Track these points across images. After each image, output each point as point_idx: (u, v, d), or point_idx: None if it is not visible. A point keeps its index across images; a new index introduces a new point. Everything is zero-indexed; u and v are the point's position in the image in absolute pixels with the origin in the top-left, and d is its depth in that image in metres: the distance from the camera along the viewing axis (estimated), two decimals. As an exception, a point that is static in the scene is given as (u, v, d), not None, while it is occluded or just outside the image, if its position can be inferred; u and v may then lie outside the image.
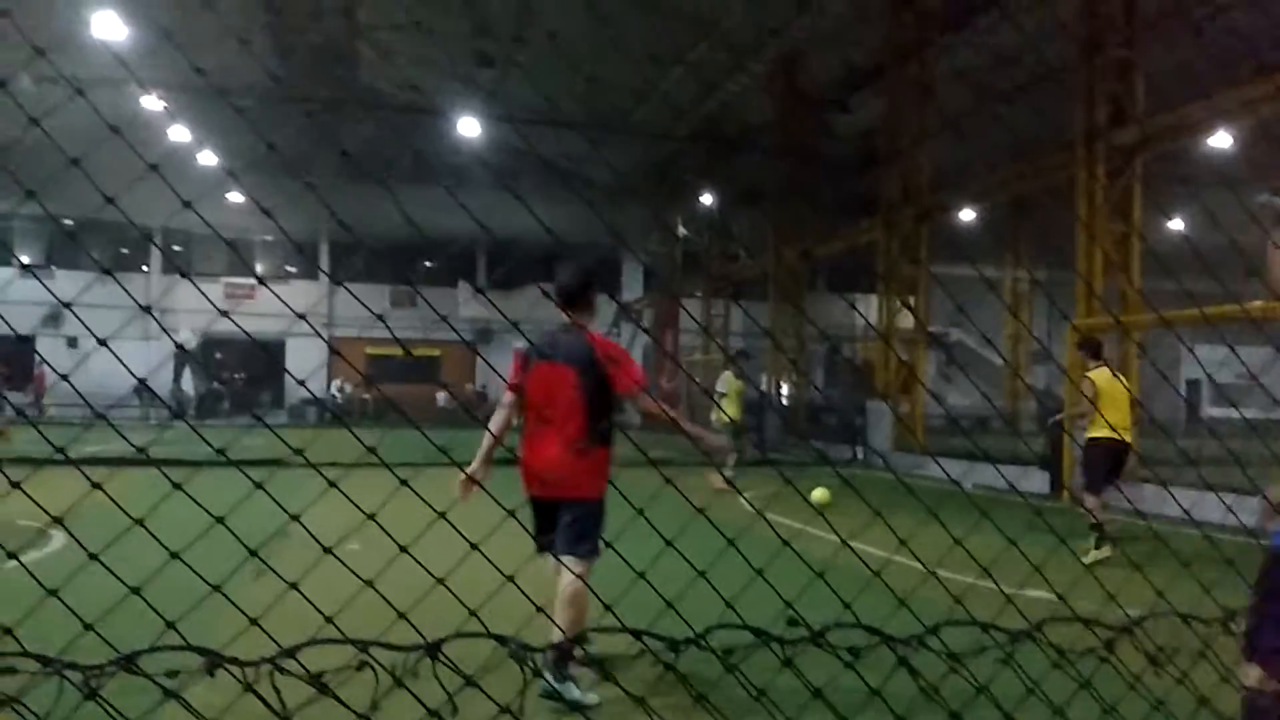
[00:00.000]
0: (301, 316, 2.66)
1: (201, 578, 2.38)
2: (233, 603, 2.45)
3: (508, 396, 4.57)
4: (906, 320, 20.03)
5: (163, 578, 2.49)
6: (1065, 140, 14.20)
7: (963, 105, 18.20)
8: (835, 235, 22.15)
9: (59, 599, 2.34)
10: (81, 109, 2.92)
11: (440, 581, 2.47)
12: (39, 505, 2.39)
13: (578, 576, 3.97)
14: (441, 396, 33.45)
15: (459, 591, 2.52)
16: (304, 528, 2.43)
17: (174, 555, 2.34)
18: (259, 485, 2.45)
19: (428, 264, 36.64)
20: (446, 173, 24.43)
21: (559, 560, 4.19)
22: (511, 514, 2.96)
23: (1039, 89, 15.90)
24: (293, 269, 35.86)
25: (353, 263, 34.97)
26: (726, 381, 14.32)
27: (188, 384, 33.33)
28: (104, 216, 29.94)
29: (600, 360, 4.34)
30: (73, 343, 30.65)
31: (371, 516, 2.48)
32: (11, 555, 2.41)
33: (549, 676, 3.95)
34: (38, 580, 2.24)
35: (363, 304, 6.00)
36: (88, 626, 2.36)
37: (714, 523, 2.66)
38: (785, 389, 25.74)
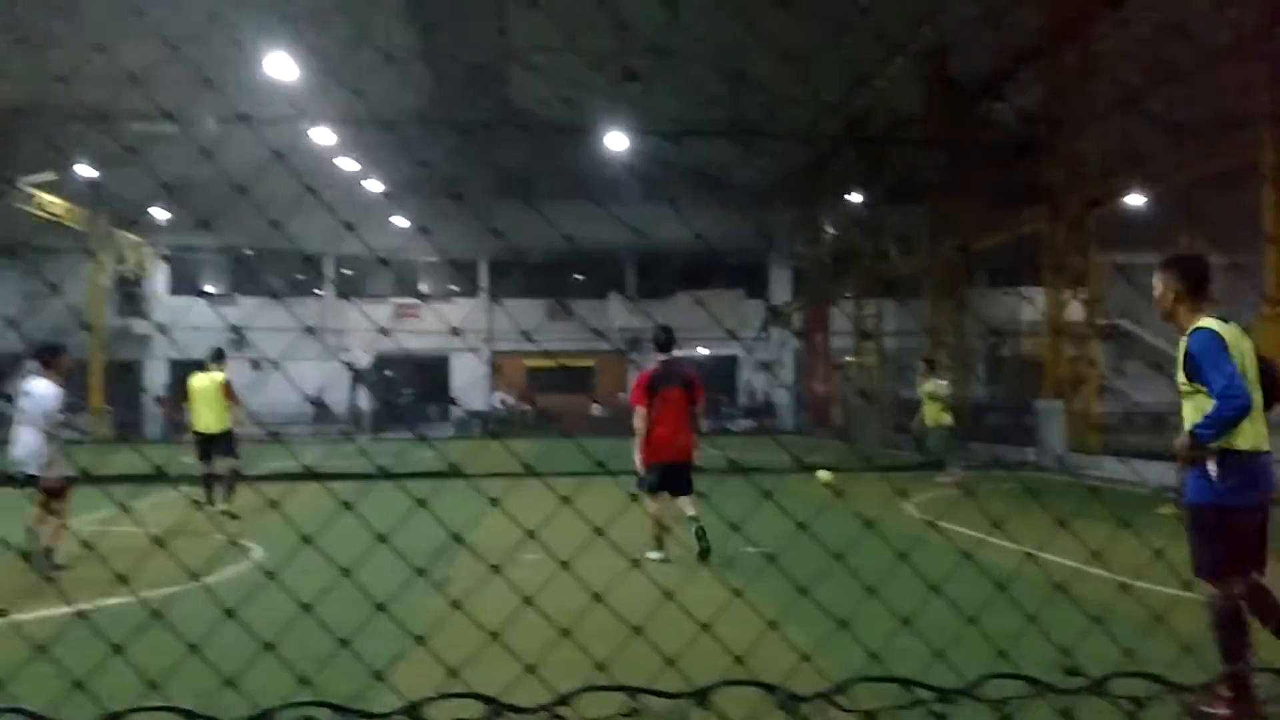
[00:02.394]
0: (458, 332, 2.71)
1: (474, 620, 2.42)
2: (509, 649, 2.47)
3: (641, 409, 7.79)
4: (1074, 313, 18.98)
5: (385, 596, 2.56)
6: (1245, 119, 13.15)
7: (1130, 85, 17.12)
8: (996, 227, 21.23)
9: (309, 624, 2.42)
10: (260, 145, 3.08)
11: (705, 627, 2.43)
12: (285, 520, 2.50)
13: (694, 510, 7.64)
14: (597, 406, 34.03)
15: (687, 613, 2.47)
16: (541, 545, 2.44)
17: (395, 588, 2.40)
18: (421, 503, 2.51)
19: (579, 277, 37.31)
20: (596, 187, 24.83)
21: (679, 498, 7.77)
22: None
23: (1215, 64, 14.78)
24: (455, 287, 37.19)
25: (511, 279, 35.97)
26: (931, 386, 13.77)
27: (362, 400, 35.09)
28: (281, 244, 31.98)
29: (690, 381, 7.95)
30: (255, 365, 32.76)
31: (531, 533, 2.49)
32: (272, 575, 2.53)
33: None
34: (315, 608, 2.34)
35: (511, 316, 6.12)
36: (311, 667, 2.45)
37: (885, 535, 2.55)
38: (946, 389, 24.80)
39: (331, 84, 17.76)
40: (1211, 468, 3.74)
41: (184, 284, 35.26)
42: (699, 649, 2.62)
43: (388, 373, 36.71)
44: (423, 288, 36.83)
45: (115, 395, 31.97)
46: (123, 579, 2.76)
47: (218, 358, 11.62)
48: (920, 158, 23.25)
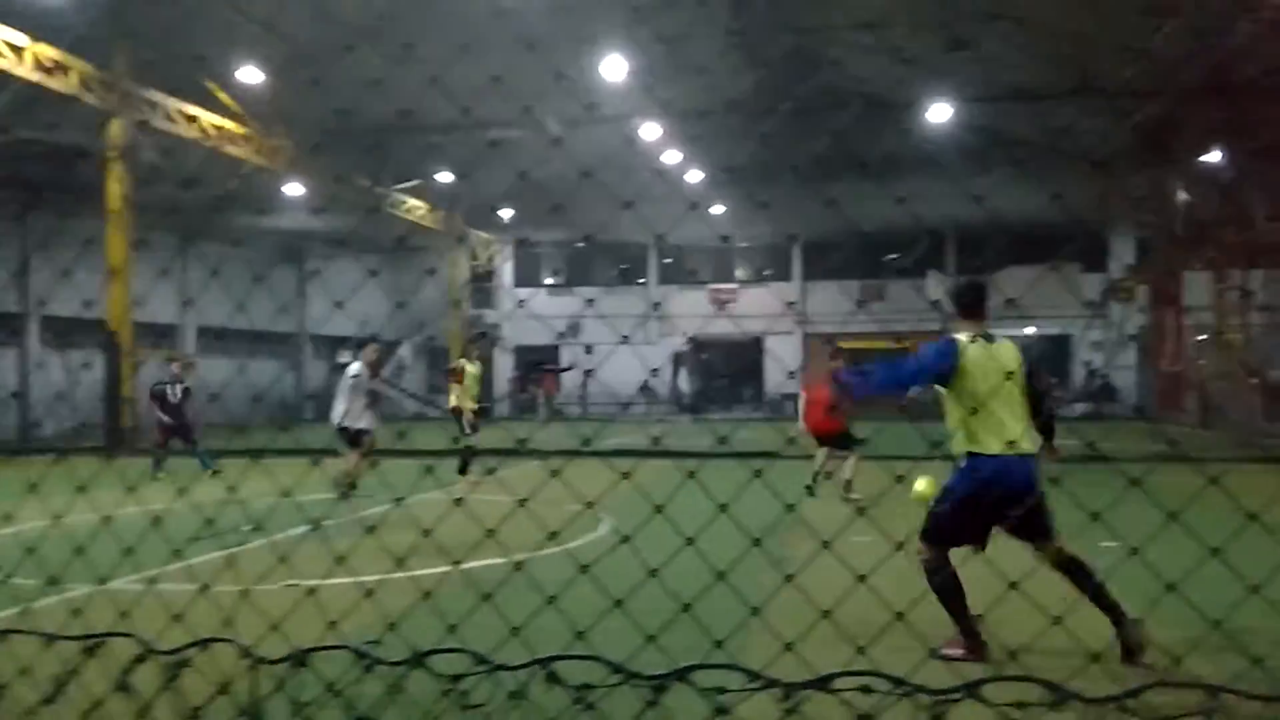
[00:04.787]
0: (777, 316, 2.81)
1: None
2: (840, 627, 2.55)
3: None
4: None
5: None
6: None
7: None
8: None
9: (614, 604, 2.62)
10: (592, 145, 3.34)
11: (1057, 621, 2.35)
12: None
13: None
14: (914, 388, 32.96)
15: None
16: (873, 525, 2.54)
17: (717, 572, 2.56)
18: (758, 474, 2.63)
19: (893, 256, 36.29)
20: (914, 163, 24.04)
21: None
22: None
23: None
24: (769, 271, 37.56)
25: (825, 260, 35.74)
26: None
27: (684, 382, 36.49)
28: (611, 236, 33.93)
29: None
30: (589, 350, 35.04)
31: (862, 511, 2.49)
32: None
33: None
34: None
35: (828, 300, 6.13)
36: (647, 637, 2.65)
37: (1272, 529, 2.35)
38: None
39: (658, 80, 18.60)
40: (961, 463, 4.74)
41: (528, 276, 38.41)
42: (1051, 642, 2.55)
43: (704, 356, 37.83)
44: (738, 272, 37.55)
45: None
46: (485, 537, 3.11)
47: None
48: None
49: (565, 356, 35.62)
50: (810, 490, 11.00)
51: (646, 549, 3.18)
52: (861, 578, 2.64)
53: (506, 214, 32.95)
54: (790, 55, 20.49)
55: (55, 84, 17.09)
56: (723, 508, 2.68)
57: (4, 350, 24.63)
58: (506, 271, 38.05)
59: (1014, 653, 3.36)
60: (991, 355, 4.84)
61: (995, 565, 3.14)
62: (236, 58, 18.61)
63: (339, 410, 10.74)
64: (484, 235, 34.76)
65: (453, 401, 13.09)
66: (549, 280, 38.72)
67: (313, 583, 3.89)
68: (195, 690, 1.86)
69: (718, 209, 29.98)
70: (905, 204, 25.32)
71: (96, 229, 18.91)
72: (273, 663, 1.75)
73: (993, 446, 4.69)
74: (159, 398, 14.77)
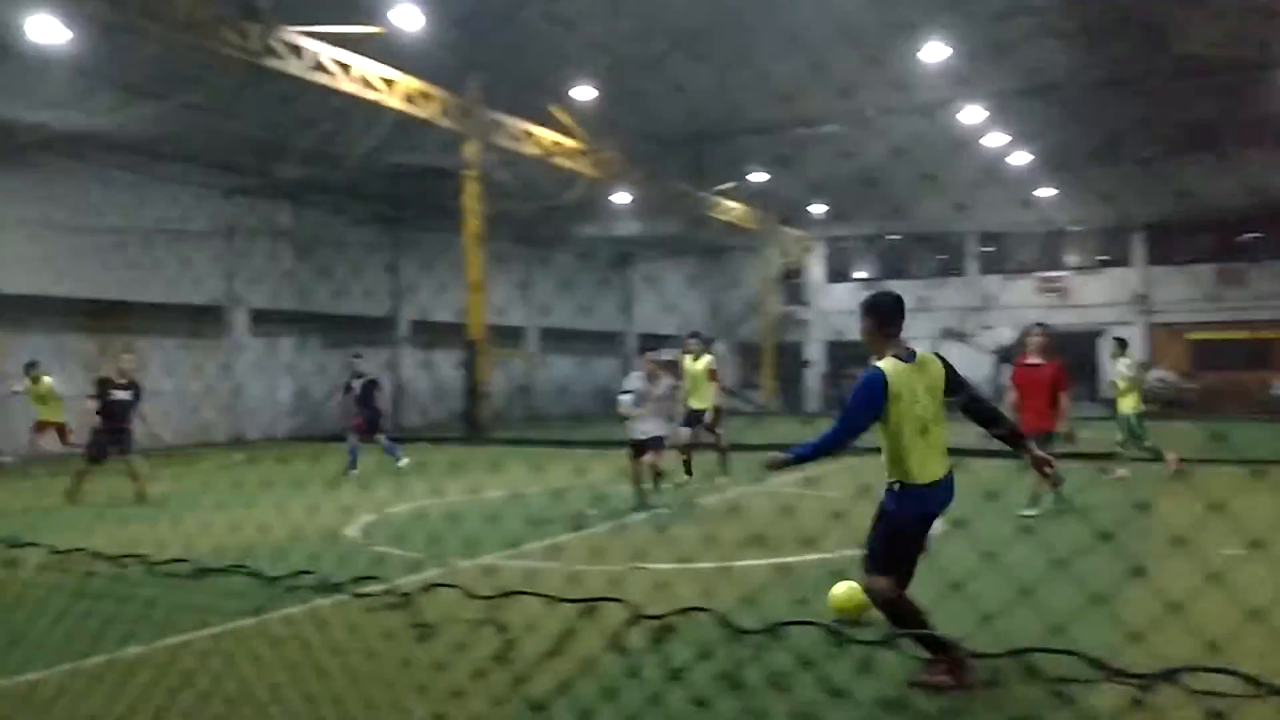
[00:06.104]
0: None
1: None
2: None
3: None
4: None
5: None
6: None
7: None
8: None
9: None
10: (910, 129, 3.47)
11: None
12: None
13: None
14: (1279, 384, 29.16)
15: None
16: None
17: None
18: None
19: (1255, 235, 32.19)
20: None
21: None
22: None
23: None
24: (1106, 257, 34.72)
25: (1170, 244, 32.51)
26: None
27: (1006, 378, 34.55)
28: (926, 228, 32.97)
29: None
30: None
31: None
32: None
33: None
34: None
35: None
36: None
37: None
38: None
39: (980, 62, 17.93)
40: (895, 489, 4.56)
41: (839, 271, 38.22)
42: None
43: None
44: (1069, 259, 35.05)
45: (782, 373, 35.89)
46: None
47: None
48: None
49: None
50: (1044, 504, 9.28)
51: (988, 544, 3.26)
52: (1214, 577, 2.59)
53: (818, 209, 33.03)
54: (1124, 23, 18.94)
55: (418, 111, 19.44)
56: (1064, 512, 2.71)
57: (378, 350, 28.33)
58: (817, 267, 38.05)
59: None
60: (917, 374, 4.57)
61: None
62: (569, 75, 20.15)
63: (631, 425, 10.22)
64: (794, 232, 35.03)
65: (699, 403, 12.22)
66: (860, 275, 38.27)
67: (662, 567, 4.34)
68: (677, 654, 2.17)
69: (1045, 192, 28.22)
70: (1272, 176, 22.58)
71: (448, 241, 21.21)
72: (750, 633, 2.00)
73: (925, 475, 4.52)
74: (347, 391, 15.01)
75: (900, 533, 4.56)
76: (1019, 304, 32.13)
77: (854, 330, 5.03)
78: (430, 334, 28.01)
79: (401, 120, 19.25)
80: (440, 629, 2.53)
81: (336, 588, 2.48)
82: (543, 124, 22.24)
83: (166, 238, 21.02)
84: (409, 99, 19.09)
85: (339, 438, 15.20)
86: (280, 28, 16.00)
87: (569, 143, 22.81)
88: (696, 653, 2.15)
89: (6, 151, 18.54)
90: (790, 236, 35.05)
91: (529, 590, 2.26)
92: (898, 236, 35.90)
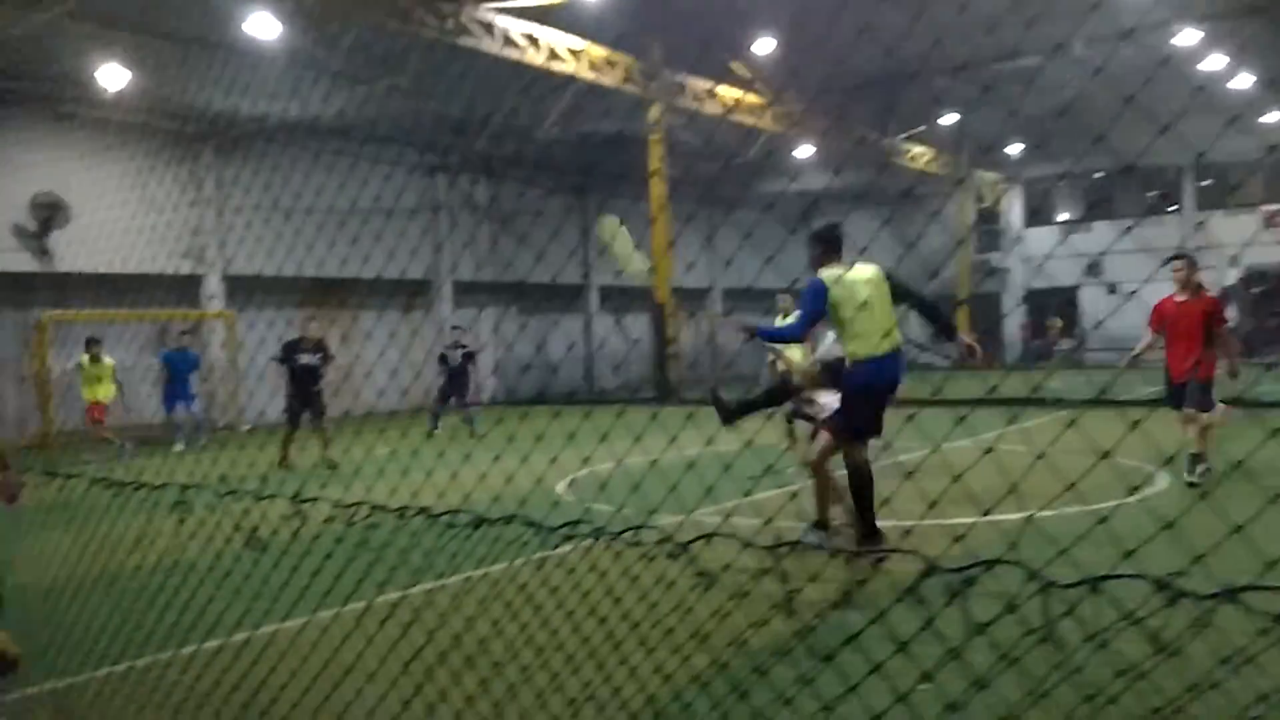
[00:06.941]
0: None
1: None
2: None
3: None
4: None
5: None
6: None
7: None
8: None
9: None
10: (1117, 62, 3.25)
11: None
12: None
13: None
14: None
15: None
16: None
17: None
18: None
19: None
20: None
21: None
22: None
23: None
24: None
25: None
26: None
27: (1233, 320, 31.83)
28: (1136, 161, 30.63)
29: None
30: (1111, 289, 32.14)
31: None
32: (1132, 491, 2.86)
33: None
34: None
35: None
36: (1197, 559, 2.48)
37: None
38: None
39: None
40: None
41: (1039, 214, 36.21)
42: None
43: (1255, 290, 32.64)
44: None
45: (978, 325, 34.49)
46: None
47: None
48: None
49: (1085, 298, 33.04)
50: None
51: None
52: None
53: (1014, 150, 31.32)
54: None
55: (604, 79, 19.75)
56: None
57: (572, 316, 29.10)
58: (1015, 211, 36.16)
59: None
60: (853, 279, 6.03)
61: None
62: (750, 29, 19.90)
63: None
64: (989, 175, 33.41)
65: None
66: (1063, 216, 36.08)
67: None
68: (981, 608, 2.07)
69: (1271, 117, 25.66)
70: None
71: (635, 207, 21.47)
72: (1065, 586, 1.92)
73: (872, 350, 5.96)
74: (443, 361, 15.69)
75: (854, 399, 6.09)
76: (1241, 241, 29.47)
77: (1062, 276, 5.24)
78: (620, 298, 28.59)
79: (588, 88, 19.63)
80: (719, 578, 2.64)
81: (611, 534, 2.60)
82: (724, 81, 22.14)
83: (379, 217, 22.31)
84: (594, 67, 19.43)
85: (538, 401, 15.95)
86: (472, 5, 16.62)
87: (751, 98, 22.62)
88: (999, 607, 2.05)
89: (234, 141, 20.16)
90: (985, 179, 33.48)
91: (796, 542, 2.32)
92: (1102, 174, 33.62)
